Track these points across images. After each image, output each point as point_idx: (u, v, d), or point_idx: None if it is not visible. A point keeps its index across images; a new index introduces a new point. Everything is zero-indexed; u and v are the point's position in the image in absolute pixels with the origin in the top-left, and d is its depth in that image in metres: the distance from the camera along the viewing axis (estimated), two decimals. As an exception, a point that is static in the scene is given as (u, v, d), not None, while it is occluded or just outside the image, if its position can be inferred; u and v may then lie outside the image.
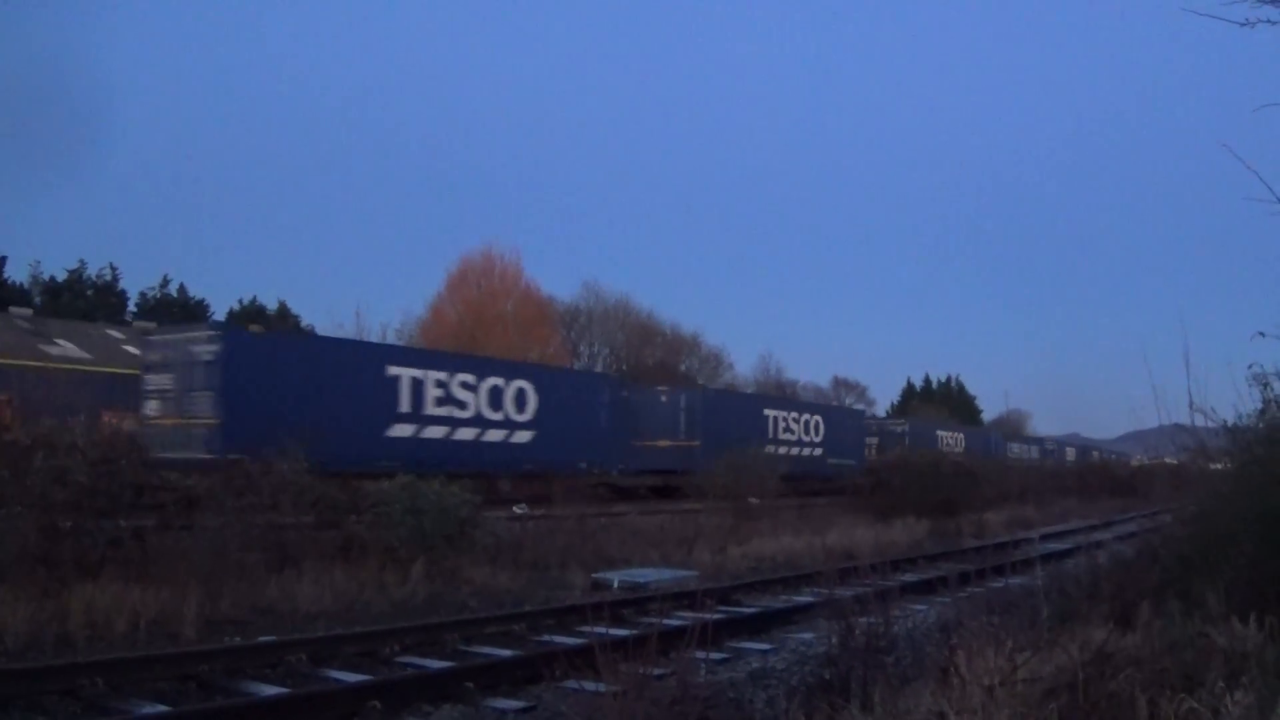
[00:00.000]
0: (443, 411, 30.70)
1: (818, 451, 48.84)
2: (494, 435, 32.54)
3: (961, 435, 71.73)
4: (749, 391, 70.21)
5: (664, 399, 43.88)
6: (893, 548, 27.93)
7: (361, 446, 27.37)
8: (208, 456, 23.70)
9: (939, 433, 67.32)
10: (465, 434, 31.37)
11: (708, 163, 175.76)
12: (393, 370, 29.64)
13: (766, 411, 47.21)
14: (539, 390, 34.34)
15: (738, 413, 45.14)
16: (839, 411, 61.73)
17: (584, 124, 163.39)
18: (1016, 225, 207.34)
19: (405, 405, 29.58)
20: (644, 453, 40.91)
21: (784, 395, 72.92)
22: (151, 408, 27.06)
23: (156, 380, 27.11)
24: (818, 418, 50.86)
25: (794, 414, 49.16)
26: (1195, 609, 8.90)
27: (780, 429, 46.66)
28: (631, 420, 40.60)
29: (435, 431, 30.35)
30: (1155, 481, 42.29)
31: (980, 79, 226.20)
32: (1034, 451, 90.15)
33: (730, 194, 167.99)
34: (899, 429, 64.42)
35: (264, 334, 31.76)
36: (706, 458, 36.91)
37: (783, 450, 44.74)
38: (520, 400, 33.55)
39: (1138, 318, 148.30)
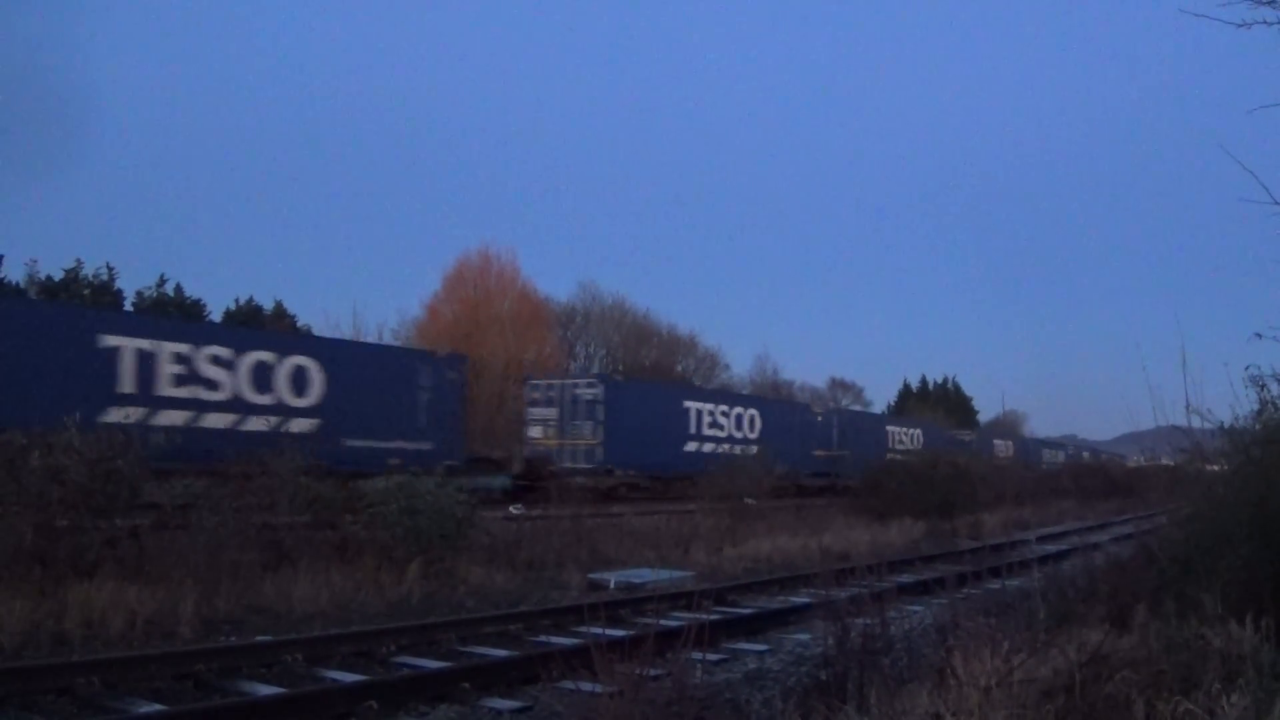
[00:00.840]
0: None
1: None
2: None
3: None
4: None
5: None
6: (889, 549, 27.93)
7: (665, 457, 41.29)
8: (588, 467, 37.57)
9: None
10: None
11: (705, 163, 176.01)
12: (687, 404, 44.06)
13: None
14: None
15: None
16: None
17: (581, 124, 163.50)
18: (1013, 226, 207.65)
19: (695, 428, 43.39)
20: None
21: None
22: (536, 431, 40.97)
23: (540, 412, 40.83)
24: (753, 411, 49.34)
25: (723, 407, 47.65)
26: (1191, 611, 8.89)
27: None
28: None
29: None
30: (1152, 483, 42.32)
31: (977, 79, 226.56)
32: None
33: (727, 195, 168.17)
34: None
35: (626, 381, 48.52)
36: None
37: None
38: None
39: (1134, 319, 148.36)
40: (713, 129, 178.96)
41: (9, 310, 26.23)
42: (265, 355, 27.47)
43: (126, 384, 24.42)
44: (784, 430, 49.03)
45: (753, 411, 49.61)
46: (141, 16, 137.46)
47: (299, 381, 28.00)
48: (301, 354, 28.69)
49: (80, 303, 40.33)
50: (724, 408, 47.53)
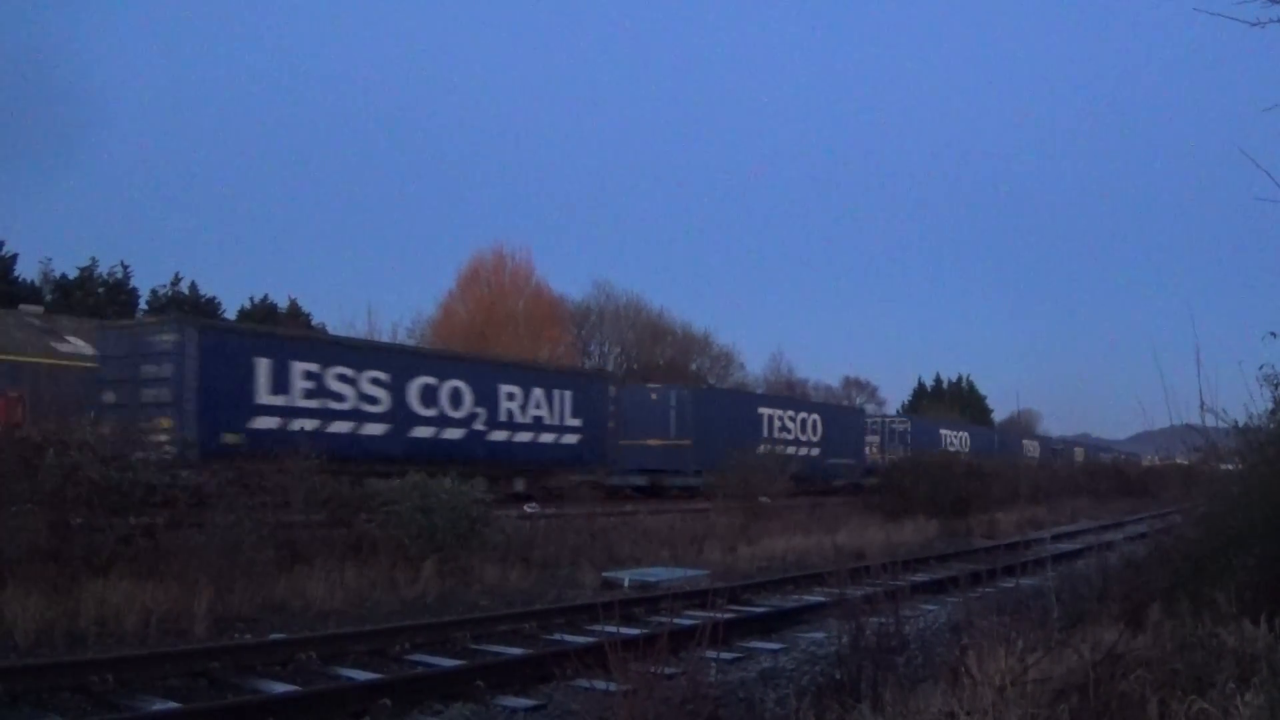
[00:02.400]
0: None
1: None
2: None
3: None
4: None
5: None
6: (903, 547, 27.91)
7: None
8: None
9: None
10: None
11: (719, 162, 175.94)
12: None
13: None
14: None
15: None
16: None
17: (595, 123, 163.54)
18: (1028, 225, 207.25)
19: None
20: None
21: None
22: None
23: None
24: (815, 416, 49.82)
25: (790, 412, 47.73)
26: (1206, 610, 8.87)
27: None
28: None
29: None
30: (1166, 482, 42.21)
31: (991, 78, 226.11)
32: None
33: (742, 193, 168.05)
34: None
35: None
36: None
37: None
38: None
39: (1149, 318, 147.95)
40: (727, 128, 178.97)
41: (720, 395, 43.80)
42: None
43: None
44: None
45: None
46: (155, 15, 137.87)
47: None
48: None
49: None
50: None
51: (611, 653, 7.50)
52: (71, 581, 14.42)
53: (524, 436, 32.91)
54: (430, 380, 30.08)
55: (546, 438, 34.00)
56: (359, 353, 29.46)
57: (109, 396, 24.81)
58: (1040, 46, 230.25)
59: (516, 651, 13.26)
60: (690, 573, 21.11)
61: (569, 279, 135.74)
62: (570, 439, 35.00)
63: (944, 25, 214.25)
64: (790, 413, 47.88)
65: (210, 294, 60.09)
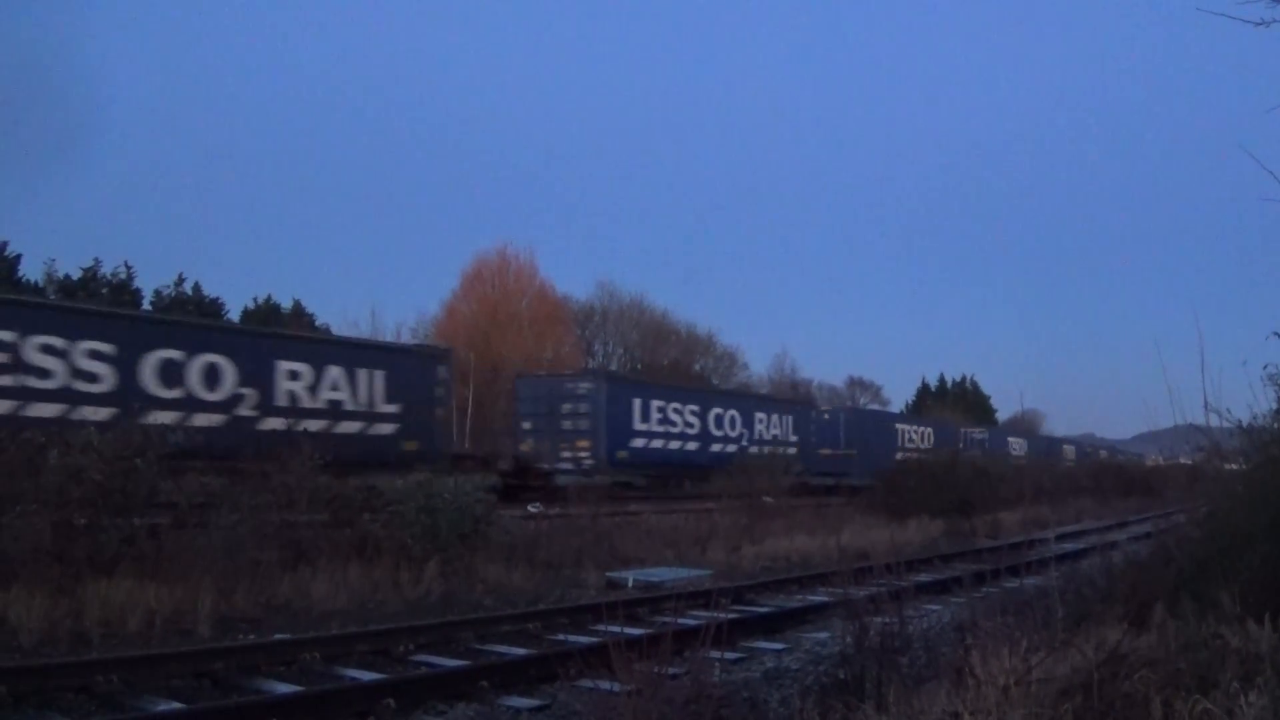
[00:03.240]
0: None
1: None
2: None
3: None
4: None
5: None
6: (907, 547, 27.87)
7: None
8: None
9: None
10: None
11: (723, 162, 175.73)
12: (897, 425, 51.68)
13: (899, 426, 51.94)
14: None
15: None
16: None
17: (599, 123, 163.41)
18: (1032, 225, 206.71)
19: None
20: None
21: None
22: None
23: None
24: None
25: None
26: (1210, 610, 8.87)
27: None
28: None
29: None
30: (1170, 482, 42.19)
31: (994, 77, 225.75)
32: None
33: (745, 193, 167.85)
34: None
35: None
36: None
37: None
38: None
39: (1152, 318, 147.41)
40: (731, 128, 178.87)
41: (866, 415, 43.91)
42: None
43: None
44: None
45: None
46: (159, 15, 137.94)
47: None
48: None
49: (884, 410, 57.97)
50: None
51: (615, 653, 7.50)
52: (75, 582, 14.44)
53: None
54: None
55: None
56: (688, 393, 44.89)
57: (527, 424, 35.14)
58: (1044, 46, 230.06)
59: (520, 652, 13.27)
60: (694, 573, 21.12)
61: (573, 279, 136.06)
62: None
63: (949, 24, 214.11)
64: (916, 427, 57.22)
65: (214, 294, 60.09)
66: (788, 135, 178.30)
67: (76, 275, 56.72)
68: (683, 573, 20.91)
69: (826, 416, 52.57)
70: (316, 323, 59.99)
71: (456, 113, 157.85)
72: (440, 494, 19.28)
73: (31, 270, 55.88)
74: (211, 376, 26.61)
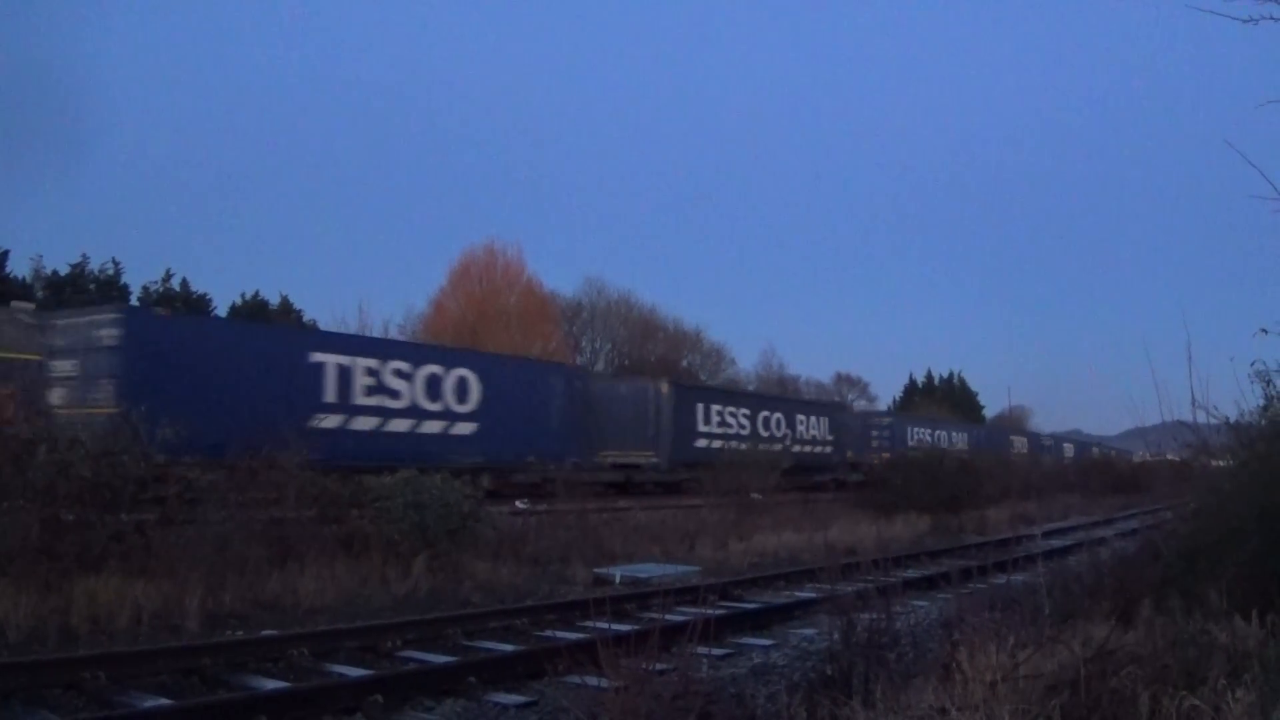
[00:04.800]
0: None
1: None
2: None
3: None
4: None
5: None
6: (895, 544, 27.93)
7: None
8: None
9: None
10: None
11: (710, 159, 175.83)
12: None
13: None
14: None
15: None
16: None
17: (587, 119, 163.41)
18: (1020, 221, 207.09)
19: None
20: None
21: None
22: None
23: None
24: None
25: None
26: (1197, 606, 8.90)
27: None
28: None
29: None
30: (1157, 478, 42.29)
31: (982, 74, 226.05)
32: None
33: (733, 190, 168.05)
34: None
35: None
36: None
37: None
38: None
39: (1140, 314, 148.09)
40: (718, 124, 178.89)
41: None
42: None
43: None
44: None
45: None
46: (147, 13, 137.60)
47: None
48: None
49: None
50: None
51: (603, 649, 7.50)
52: (63, 578, 14.40)
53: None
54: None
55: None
56: (742, 398, 49.41)
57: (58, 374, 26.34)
58: (1032, 43, 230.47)
59: (508, 648, 13.27)
60: (682, 569, 21.13)
61: (560, 275, 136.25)
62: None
63: (936, 20, 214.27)
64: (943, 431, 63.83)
65: (201, 290, 59.98)
66: (775, 131, 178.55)
67: (64, 271, 56.64)
68: (670, 569, 20.92)
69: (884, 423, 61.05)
70: (304, 319, 59.96)
71: (444, 108, 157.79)
72: (428, 490, 19.25)
73: (19, 266, 55.78)
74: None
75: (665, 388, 42.52)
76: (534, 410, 34.61)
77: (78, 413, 24.03)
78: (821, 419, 52.79)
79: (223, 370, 25.68)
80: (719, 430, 43.62)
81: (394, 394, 29.78)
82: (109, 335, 24.90)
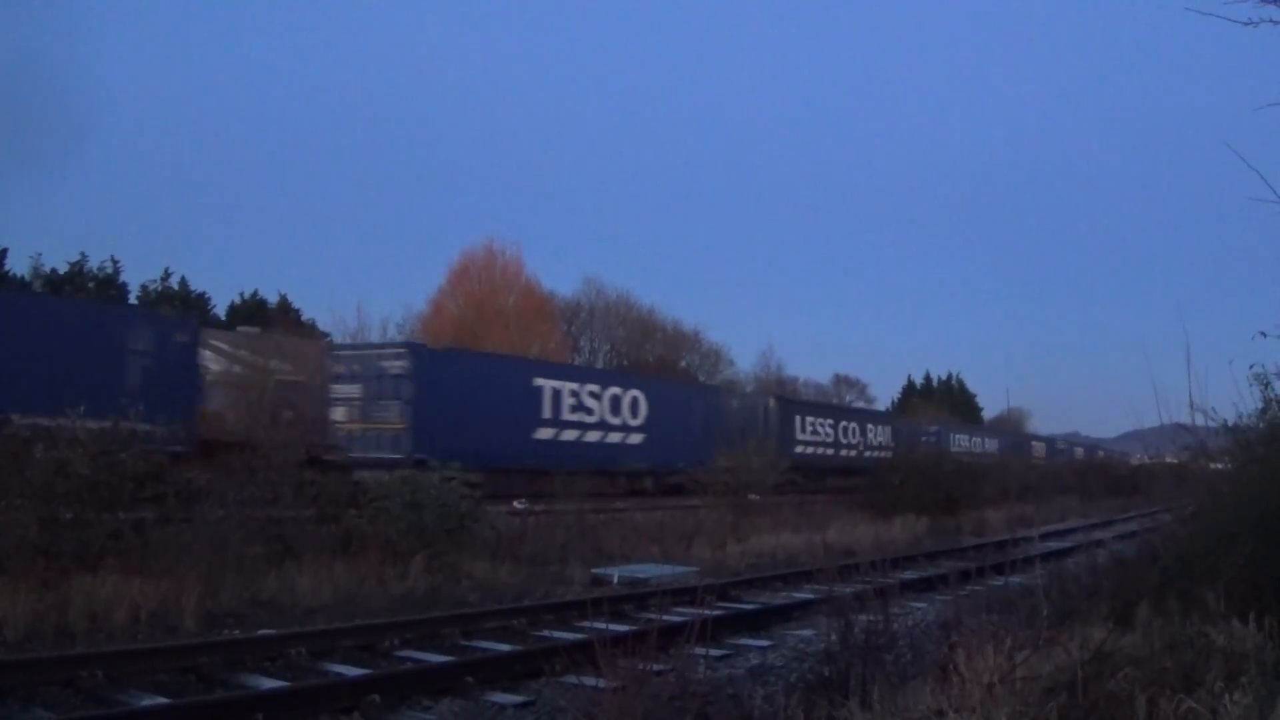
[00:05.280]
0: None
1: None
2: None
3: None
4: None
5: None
6: (892, 545, 27.91)
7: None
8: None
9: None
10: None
11: (709, 159, 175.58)
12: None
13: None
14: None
15: None
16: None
17: (586, 120, 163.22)
18: (1019, 223, 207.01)
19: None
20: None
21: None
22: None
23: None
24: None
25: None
26: (1195, 609, 8.90)
27: None
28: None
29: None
30: (1155, 481, 42.33)
31: (981, 75, 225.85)
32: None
33: (732, 190, 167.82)
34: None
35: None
36: None
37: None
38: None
39: (1139, 317, 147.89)
40: (717, 125, 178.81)
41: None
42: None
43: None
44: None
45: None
46: (147, 11, 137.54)
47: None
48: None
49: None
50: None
51: (600, 649, 7.50)
52: (61, 576, 14.41)
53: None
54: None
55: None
56: (829, 410, 57.42)
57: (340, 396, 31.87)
58: (1031, 44, 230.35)
59: (505, 648, 13.27)
60: (679, 569, 21.15)
61: (559, 276, 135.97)
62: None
63: (935, 22, 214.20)
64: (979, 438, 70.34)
65: (200, 289, 60.01)
66: (774, 132, 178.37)
67: (63, 269, 56.61)
68: (668, 569, 20.93)
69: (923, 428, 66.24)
70: (303, 318, 59.98)
71: (444, 108, 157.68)
72: (426, 489, 19.25)
73: (17, 264, 55.74)
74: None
75: (773, 403, 49.20)
76: (684, 424, 40.68)
77: (360, 427, 30.39)
78: (886, 428, 60.71)
79: (477, 392, 31.36)
80: (811, 438, 50.19)
81: (589, 411, 36.09)
82: (397, 366, 30.27)
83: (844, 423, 54.73)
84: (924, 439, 62.77)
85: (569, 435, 35.24)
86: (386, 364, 30.65)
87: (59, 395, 17.13)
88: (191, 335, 28.83)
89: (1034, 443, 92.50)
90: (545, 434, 34.26)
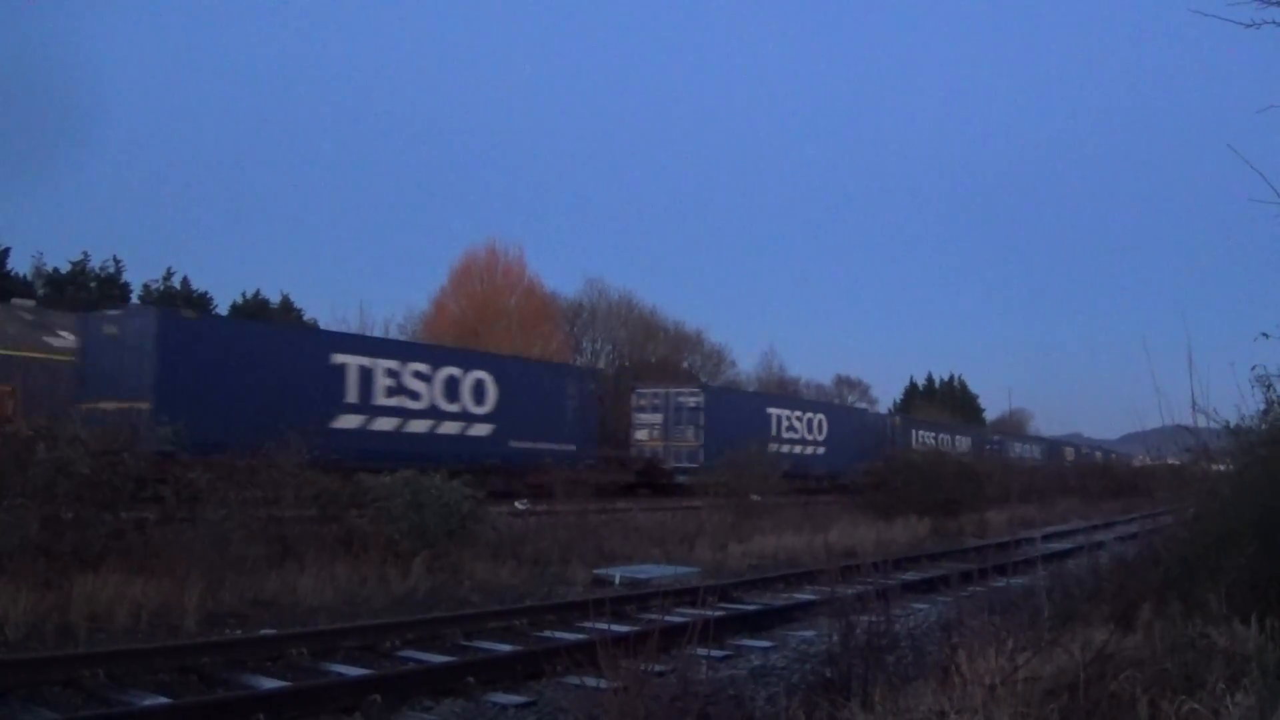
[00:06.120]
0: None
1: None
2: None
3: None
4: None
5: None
6: (894, 546, 27.91)
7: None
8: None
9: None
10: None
11: (712, 160, 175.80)
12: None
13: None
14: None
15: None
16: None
17: (588, 120, 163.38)
18: (1021, 225, 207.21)
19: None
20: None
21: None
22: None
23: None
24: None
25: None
26: (1196, 610, 8.88)
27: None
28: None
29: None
30: (1157, 482, 42.29)
31: (984, 77, 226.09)
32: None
33: (734, 191, 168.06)
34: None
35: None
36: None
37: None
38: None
39: (1141, 318, 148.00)
40: (720, 126, 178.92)
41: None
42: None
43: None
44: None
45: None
46: (149, 12, 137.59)
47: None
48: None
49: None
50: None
51: (602, 650, 7.49)
52: (62, 576, 14.41)
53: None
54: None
55: None
56: (936, 424, 67.61)
57: (643, 421, 46.28)
58: (1034, 46, 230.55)
59: (507, 648, 13.26)
60: (681, 570, 21.13)
61: (561, 276, 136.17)
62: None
63: (938, 24, 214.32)
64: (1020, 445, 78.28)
65: (202, 289, 59.98)
66: (777, 134, 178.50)
67: (65, 269, 56.63)
68: (670, 570, 20.92)
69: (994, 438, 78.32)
70: (305, 317, 59.95)
71: (446, 108, 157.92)
72: (427, 490, 19.24)
73: (20, 264, 55.78)
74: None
75: (897, 420, 64.49)
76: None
77: (662, 443, 45.27)
78: (968, 437, 72.05)
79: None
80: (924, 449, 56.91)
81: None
82: (693, 400, 45.48)
83: (944, 435, 66.30)
84: (989, 447, 73.10)
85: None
86: (686, 400, 45.78)
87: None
88: None
89: (1066, 449, 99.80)
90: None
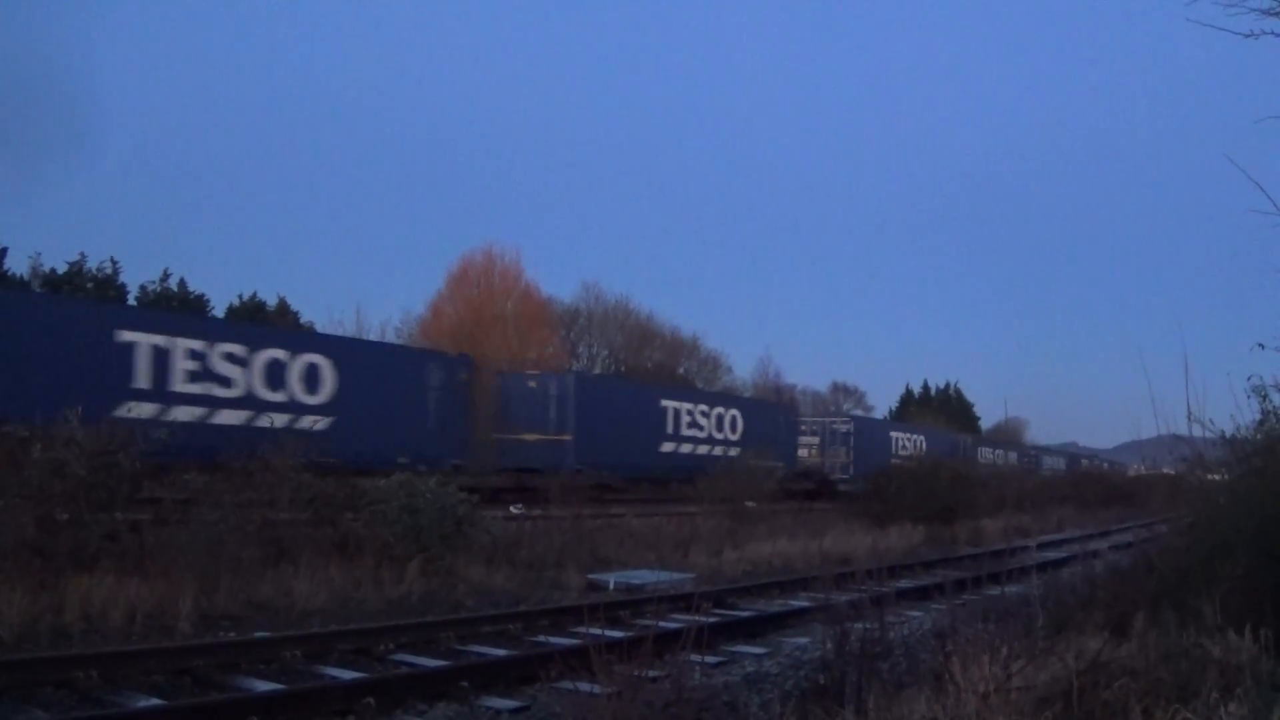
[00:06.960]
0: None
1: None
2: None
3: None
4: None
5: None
6: (889, 553, 27.92)
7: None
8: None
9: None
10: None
11: (709, 166, 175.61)
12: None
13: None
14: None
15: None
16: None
17: (585, 125, 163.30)
18: (1018, 234, 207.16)
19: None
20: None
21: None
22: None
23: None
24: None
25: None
26: (1190, 620, 8.89)
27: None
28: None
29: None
30: (1152, 491, 42.31)
31: (982, 86, 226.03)
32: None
33: (730, 197, 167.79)
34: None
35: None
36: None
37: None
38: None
39: (1137, 327, 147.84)
40: (717, 132, 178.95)
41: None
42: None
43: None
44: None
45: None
46: (146, 12, 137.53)
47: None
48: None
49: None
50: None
51: (596, 655, 7.50)
52: (57, 577, 14.39)
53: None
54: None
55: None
56: (999, 442, 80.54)
57: (804, 443, 56.28)
58: (1032, 55, 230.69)
59: (501, 652, 13.27)
60: (675, 576, 21.13)
61: (558, 280, 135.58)
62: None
63: (936, 33, 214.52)
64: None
65: (199, 290, 59.85)
66: (774, 140, 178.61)
67: (62, 269, 56.55)
68: (664, 576, 20.91)
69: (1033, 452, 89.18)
70: (301, 320, 59.89)
71: (443, 112, 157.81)
72: (422, 493, 19.23)
73: (17, 264, 55.68)
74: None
75: (969, 438, 74.62)
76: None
77: (818, 459, 55.17)
78: (1014, 453, 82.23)
79: (870, 440, 44.89)
80: (986, 462, 67.73)
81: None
82: (844, 426, 56.84)
83: (999, 450, 76.48)
84: (1025, 460, 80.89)
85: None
86: (838, 427, 57.26)
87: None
88: None
89: (1084, 460, 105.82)
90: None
